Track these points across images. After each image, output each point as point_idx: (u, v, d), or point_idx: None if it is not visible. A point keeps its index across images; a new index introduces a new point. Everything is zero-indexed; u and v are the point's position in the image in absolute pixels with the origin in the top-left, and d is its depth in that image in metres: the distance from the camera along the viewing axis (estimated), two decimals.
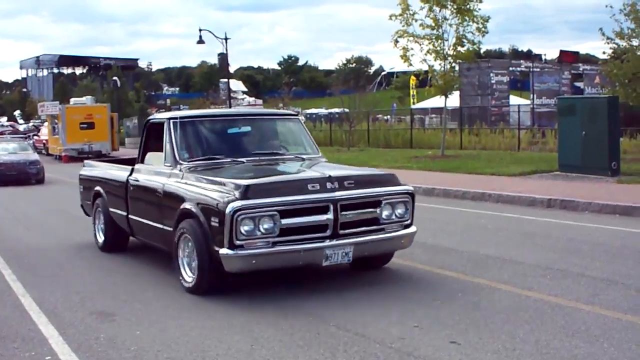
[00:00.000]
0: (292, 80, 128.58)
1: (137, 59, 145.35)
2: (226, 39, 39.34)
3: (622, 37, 23.82)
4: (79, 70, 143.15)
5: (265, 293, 8.84)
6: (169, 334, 7.35)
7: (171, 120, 10.14)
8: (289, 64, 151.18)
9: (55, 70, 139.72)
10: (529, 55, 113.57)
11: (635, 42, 23.81)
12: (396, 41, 28.57)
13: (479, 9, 27.78)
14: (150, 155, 10.72)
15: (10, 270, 10.88)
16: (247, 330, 7.37)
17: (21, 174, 27.46)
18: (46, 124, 51.35)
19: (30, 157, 28.76)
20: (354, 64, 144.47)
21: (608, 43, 24.15)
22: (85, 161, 14.01)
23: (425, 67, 29.92)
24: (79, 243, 13.23)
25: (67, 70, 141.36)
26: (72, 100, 53.42)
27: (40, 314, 8.26)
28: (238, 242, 8.12)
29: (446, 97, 29.53)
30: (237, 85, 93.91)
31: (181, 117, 10.33)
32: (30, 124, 79.45)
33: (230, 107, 43.13)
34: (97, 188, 12.33)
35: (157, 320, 7.87)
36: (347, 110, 41.61)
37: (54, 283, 10.01)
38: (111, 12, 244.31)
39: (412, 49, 28.62)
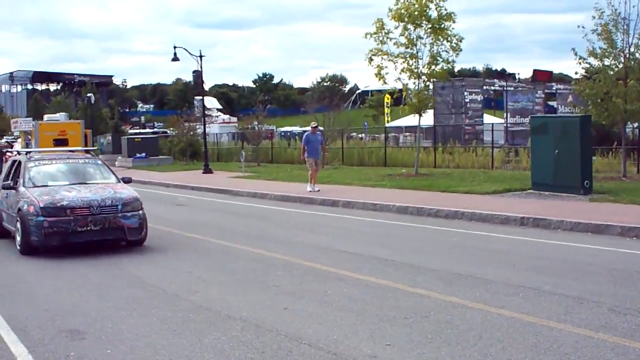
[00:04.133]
0: (266, 98, 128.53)
1: (111, 76, 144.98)
2: (201, 56, 39.19)
3: (594, 57, 24.05)
4: (52, 87, 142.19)
5: (236, 311, 8.79)
6: (139, 353, 7.29)
7: None
8: (264, 82, 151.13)
9: (29, 87, 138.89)
10: (502, 74, 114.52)
11: (607, 62, 24.06)
12: (371, 59, 28.63)
13: (453, 28, 27.96)
14: None
15: None
16: (218, 349, 7.31)
17: (108, 229, 13.77)
18: (19, 140, 50.94)
19: (119, 192, 14.48)
20: (329, 82, 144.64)
21: (580, 63, 24.38)
22: None
23: (399, 86, 30.01)
24: (49, 261, 13.10)
25: (40, 87, 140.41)
26: (46, 116, 53.11)
27: (10, 331, 8.16)
28: None
29: (420, 115, 29.59)
30: (211, 102, 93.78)
31: None
32: (3, 141, 78.80)
33: (205, 125, 42.56)
34: None
35: (127, 339, 7.79)
36: (321, 128, 41.64)
37: (24, 301, 9.89)
38: (84, 29, 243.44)
39: (386, 67, 28.68)
